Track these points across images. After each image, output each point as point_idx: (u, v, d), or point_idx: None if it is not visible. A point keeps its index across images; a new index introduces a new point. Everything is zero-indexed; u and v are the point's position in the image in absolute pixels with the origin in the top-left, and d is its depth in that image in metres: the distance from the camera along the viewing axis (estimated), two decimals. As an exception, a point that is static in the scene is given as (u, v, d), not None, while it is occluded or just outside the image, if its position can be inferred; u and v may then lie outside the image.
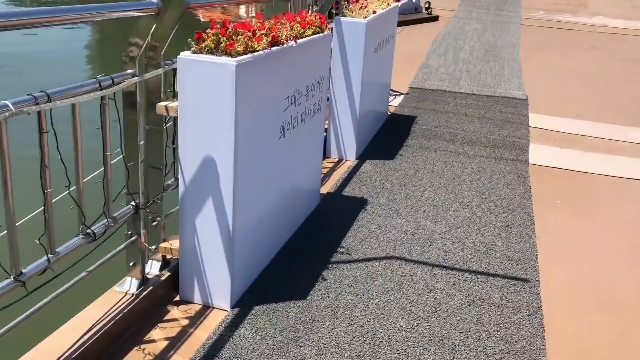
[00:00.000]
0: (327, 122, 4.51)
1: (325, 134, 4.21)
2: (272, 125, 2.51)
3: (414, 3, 11.75)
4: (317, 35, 2.92)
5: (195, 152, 2.30)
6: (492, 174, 4.34)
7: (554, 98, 6.71)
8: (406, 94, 6.52)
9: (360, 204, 3.72)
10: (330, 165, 4.38)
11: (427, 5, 11.79)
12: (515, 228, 3.53)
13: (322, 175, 4.08)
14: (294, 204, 3.09)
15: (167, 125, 2.50)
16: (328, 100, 4.27)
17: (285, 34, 2.48)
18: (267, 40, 2.29)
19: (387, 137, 5.07)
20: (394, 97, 6.36)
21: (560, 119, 5.89)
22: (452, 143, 4.99)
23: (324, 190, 3.88)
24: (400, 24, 10.85)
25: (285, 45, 2.44)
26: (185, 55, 2.21)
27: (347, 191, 3.89)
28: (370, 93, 4.61)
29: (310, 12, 3.80)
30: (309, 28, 2.84)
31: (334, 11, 4.54)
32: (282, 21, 2.64)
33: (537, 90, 6.97)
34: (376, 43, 4.47)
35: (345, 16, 4.12)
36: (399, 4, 5.17)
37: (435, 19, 11.75)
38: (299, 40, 2.61)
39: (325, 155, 4.50)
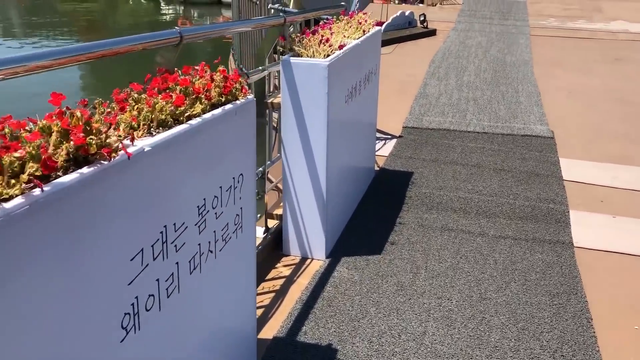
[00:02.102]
0: (280, 205, 3.26)
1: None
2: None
3: (407, 17, 10.58)
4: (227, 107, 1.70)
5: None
6: (525, 274, 3.06)
7: (587, 133, 5.46)
8: (399, 137, 5.28)
9: (325, 355, 2.44)
10: (288, 269, 3.10)
11: (422, 19, 10.62)
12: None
13: (277, 288, 2.85)
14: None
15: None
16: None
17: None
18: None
19: (373, 210, 3.80)
20: (383, 142, 5.11)
21: (602, 167, 4.63)
22: (463, 215, 3.72)
23: (270, 326, 2.60)
24: (392, 41, 9.68)
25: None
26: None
27: (308, 327, 2.61)
28: (343, 155, 3.35)
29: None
30: (200, 101, 1.59)
31: (280, 47, 3.25)
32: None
33: (563, 122, 5.73)
34: (348, 89, 3.22)
35: (298, 55, 2.87)
36: (382, 27, 3.93)
37: (432, 33, 10.58)
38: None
39: (282, 252, 3.23)
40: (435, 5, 14.75)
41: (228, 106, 1.76)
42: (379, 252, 3.24)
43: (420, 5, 17.02)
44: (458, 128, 5.48)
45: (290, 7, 9.90)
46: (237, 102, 1.82)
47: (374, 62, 3.89)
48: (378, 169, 4.56)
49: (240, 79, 1.85)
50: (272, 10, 5.70)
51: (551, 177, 4.39)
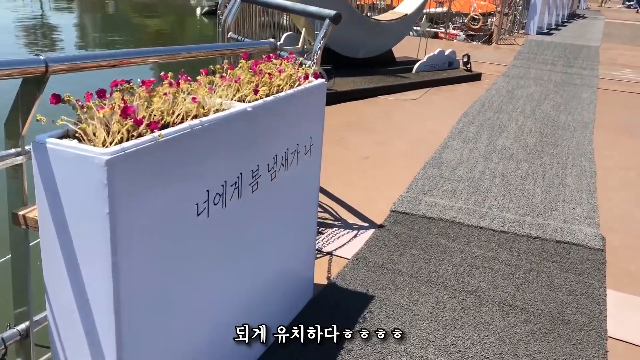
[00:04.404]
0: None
1: None
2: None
3: (448, 56, 9.20)
4: None
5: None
6: None
7: (657, 245, 3.89)
8: (379, 226, 3.89)
9: None
10: None
11: (465, 60, 9.21)
12: None
13: None
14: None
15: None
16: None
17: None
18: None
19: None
20: (354, 234, 3.73)
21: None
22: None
23: None
24: (424, 85, 8.33)
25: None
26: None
27: None
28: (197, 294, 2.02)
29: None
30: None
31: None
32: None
33: (622, 223, 4.18)
34: (215, 187, 1.90)
35: (73, 135, 1.58)
36: (324, 80, 2.60)
37: (476, 77, 9.14)
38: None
39: None
40: (492, 44, 13.29)
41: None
42: None
43: (478, 43, 15.64)
44: (467, 220, 4.03)
45: (301, 39, 8.63)
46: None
47: (304, 133, 2.55)
48: (327, 281, 3.18)
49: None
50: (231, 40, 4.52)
51: (588, 329, 2.88)
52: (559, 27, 18.97)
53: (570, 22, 22.02)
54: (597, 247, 3.75)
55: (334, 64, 8.06)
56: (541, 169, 5.19)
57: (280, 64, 2.37)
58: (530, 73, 9.90)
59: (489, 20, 20.64)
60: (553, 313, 2.99)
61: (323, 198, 4.28)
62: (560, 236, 3.87)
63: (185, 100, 1.73)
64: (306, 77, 2.43)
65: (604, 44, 14.44)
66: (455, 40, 15.40)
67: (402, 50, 9.77)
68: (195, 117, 1.74)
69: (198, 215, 1.78)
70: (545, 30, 16.78)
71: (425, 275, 3.28)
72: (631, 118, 7.37)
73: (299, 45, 8.87)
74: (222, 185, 1.89)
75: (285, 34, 8.61)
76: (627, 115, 7.53)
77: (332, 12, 3.45)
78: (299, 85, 2.41)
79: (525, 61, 11.08)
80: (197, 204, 1.77)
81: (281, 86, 2.30)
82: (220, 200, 1.88)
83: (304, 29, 7.98)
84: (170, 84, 1.76)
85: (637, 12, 42.45)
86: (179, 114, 1.70)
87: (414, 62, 8.98)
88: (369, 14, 9.54)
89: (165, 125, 1.64)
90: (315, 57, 3.47)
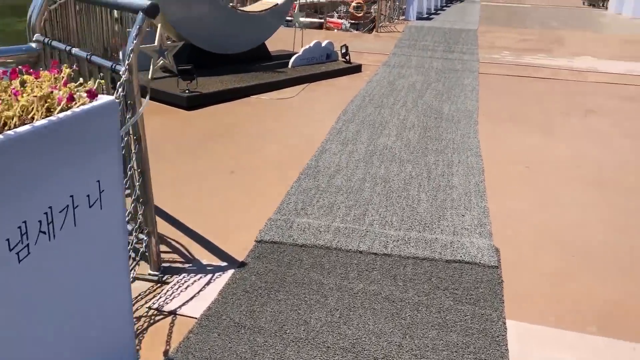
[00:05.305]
0: None
1: None
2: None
3: (325, 48, 8.66)
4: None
5: None
6: None
7: (555, 252, 3.50)
8: (240, 265, 3.19)
9: None
10: None
11: (344, 51, 8.71)
12: None
13: None
14: None
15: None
16: None
17: None
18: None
19: None
20: (208, 279, 3.01)
21: (583, 343, 2.64)
22: None
23: None
24: (301, 80, 7.72)
25: None
26: None
27: None
28: None
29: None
30: None
31: None
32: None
33: (516, 228, 3.78)
34: None
35: None
36: (91, 106, 1.84)
37: (356, 69, 8.68)
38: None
39: None
40: (372, 32, 12.99)
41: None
42: None
43: (359, 32, 15.38)
44: (345, 244, 3.44)
45: (157, 35, 7.72)
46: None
47: (84, 179, 1.79)
48: (164, 358, 2.44)
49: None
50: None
51: (489, 381, 2.37)
52: (438, 12, 19.20)
53: (448, 6, 22.45)
54: (492, 263, 3.30)
55: (200, 63, 7.25)
56: (426, 170, 4.74)
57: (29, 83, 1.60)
58: (411, 61, 9.61)
59: (372, 7, 20.56)
60: (447, 365, 2.45)
61: (172, 232, 3.52)
62: (450, 254, 3.38)
63: None
64: (70, 99, 1.67)
65: (481, 27, 14.64)
66: (336, 31, 15.02)
67: (278, 43, 9.12)
68: None
69: None
70: (425, 16, 16.84)
71: (292, 330, 2.64)
72: (513, 103, 7.21)
73: (155, 44, 7.91)
74: None
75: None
76: (510, 100, 7.37)
77: (144, 4, 2.69)
78: (67, 109, 1.65)
79: (406, 49, 10.82)
80: None
81: (29, 115, 1.53)
82: None
83: (159, 25, 7.08)
84: None
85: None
86: None
87: (291, 55, 8.36)
88: (236, 4, 8.76)
89: None
90: (127, 62, 2.70)
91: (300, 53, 8.27)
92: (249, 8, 8.59)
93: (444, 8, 21.04)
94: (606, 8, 25.30)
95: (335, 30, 14.87)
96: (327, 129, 5.73)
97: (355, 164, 4.80)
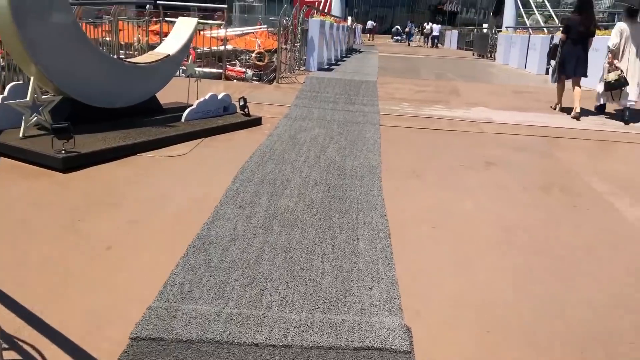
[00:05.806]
0: None
1: None
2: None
3: (222, 100, 8.27)
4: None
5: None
6: None
7: (467, 331, 3.21)
8: (108, 374, 2.62)
9: None
10: None
11: (242, 104, 8.36)
12: None
13: None
14: None
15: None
16: None
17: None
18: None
19: None
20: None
21: None
22: None
23: None
24: (196, 135, 7.24)
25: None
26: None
27: None
28: None
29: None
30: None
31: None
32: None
33: (427, 299, 3.47)
34: None
35: None
36: None
37: (256, 122, 8.33)
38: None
39: None
40: (272, 83, 12.80)
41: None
42: None
43: (259, 83, 15.21)
44: (239, 336, 2.96)
45: (30, 89, 7.10)
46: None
47: None
48: None
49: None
50: None
51: None
52: (339, 62, 19.52)
53: (348, 57, 22.98)
54: (404, 348, 2.94)
55: (84, 118, 6.60)
56: (330, 235, 4.38)
57: None
58: (313, 113, 9.43)
59: (274, 56, 20.56)
60: None
61: (27, 330, 2.88)
62: (358, 339, 2.99)
63: None
64: None
65: (380, 77, 14.93)
66: (235, 81, 14.73)
67: (173, 94, 8.61)
68: None
69: None
70: (326, 66, 17.00)
71: None
72: (415, 157, 7.12)
73: (28, 99, 7.13)
74: None
75: (10, 85, 6.90)
76: (411, 153, 7.29)
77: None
78: None
79: (308, 100, 10.67)
80: None
81: None
82: None
83: (32, 77, 6.39)
84: None
85: (408, 45, 47.07)
86: None
87: (185, 108, 7.87)
88: (122, 56, 8.21)
89: None
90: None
91: (194, 106, 7.81)
92: (138, 59, 8.06)
93: (344, 59, 21.48)
94: (494, 59, 27.03)
95: (235, 81, 14.57)
96: (223, 190, 5.27)
97: (253, 232, 4.36)
